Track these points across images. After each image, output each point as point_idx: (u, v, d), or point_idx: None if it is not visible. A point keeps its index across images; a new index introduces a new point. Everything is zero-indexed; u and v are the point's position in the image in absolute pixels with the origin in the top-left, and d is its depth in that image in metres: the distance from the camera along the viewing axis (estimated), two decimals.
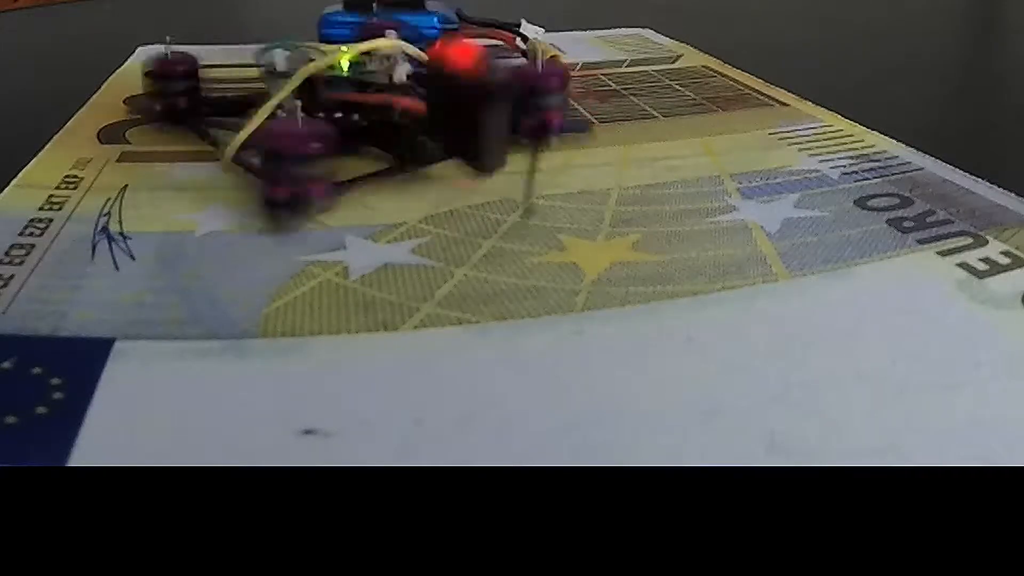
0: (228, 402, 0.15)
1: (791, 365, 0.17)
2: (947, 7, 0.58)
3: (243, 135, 0.24)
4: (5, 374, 0.16)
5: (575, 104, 0.32)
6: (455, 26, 0.34)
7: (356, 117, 0.25)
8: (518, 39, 0.35)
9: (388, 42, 0.27)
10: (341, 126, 0.25)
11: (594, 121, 0.31)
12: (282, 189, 0.22)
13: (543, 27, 0.35)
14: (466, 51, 0.23)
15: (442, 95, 0.24)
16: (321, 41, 0.31)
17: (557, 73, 0.27)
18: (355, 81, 0.25)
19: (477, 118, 0.23)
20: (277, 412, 0.15)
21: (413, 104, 0.25)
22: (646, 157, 0.27)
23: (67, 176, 0.25)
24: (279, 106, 0.24)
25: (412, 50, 0.27)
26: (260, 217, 0.22)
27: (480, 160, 0.24)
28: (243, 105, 0.27)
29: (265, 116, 0.23)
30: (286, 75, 0.25)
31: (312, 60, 0.25)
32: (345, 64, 0.25)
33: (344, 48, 0.26)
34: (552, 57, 0.33)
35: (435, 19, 0.36)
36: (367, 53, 0.26)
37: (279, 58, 0.26)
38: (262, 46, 0.27)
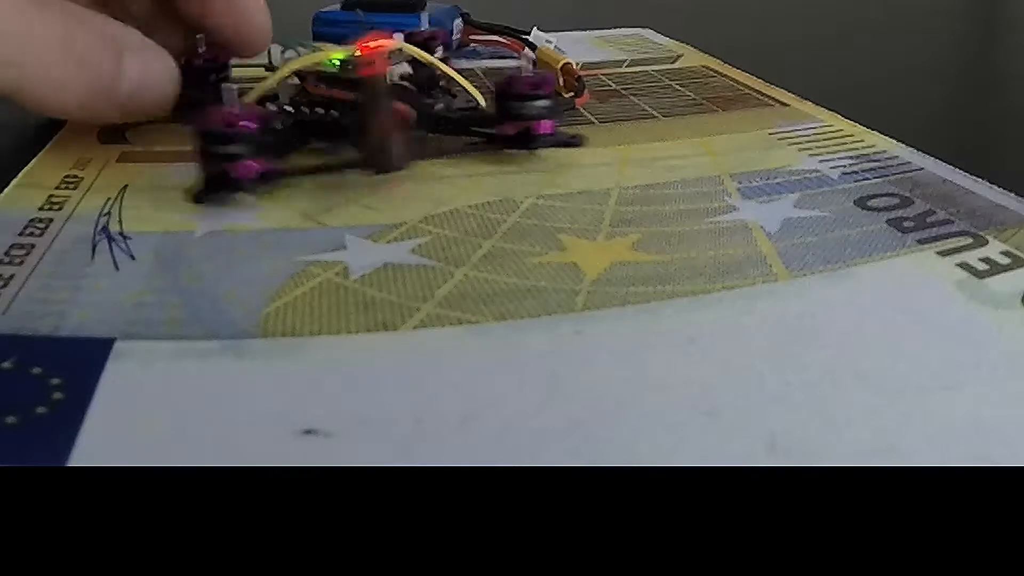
0: (228, 402, 0.15)
1: (791, 365, 0.17)
2: (947, 7, 0.58)
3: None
4: (5, 374, 0.16)
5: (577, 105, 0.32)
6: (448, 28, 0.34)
7: (336, 113, 0.25)
8: (526, 47, 0.35)
9: (386, 42, 0.27)
10: (319, 121, 0.25)
11: (594, 120, 0.31)
12: (209, 166, 0.23)
13: (554, 38, 0.35)
14: (366, 50, 0.24)
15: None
16: (314, 39, 0.31)
17: (547, 81, 0.26)
18: (347, 79, 0.25)
19: (362, 116, 0.24)
20: (277, 412, 0.15)
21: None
22: (646, 157, 0.27)
23: (67, 176, 0.25)
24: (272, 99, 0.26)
25: (416, 51, 0.27)
26: (188, 191, 0.24)
27: (369, 158, 0.24)
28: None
29: (254, 99, 0.26)
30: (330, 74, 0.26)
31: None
32: (336, 61, 0.25)
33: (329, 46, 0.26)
34: (565, 65, 0.33)
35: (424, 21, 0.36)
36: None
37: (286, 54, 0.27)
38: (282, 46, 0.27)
